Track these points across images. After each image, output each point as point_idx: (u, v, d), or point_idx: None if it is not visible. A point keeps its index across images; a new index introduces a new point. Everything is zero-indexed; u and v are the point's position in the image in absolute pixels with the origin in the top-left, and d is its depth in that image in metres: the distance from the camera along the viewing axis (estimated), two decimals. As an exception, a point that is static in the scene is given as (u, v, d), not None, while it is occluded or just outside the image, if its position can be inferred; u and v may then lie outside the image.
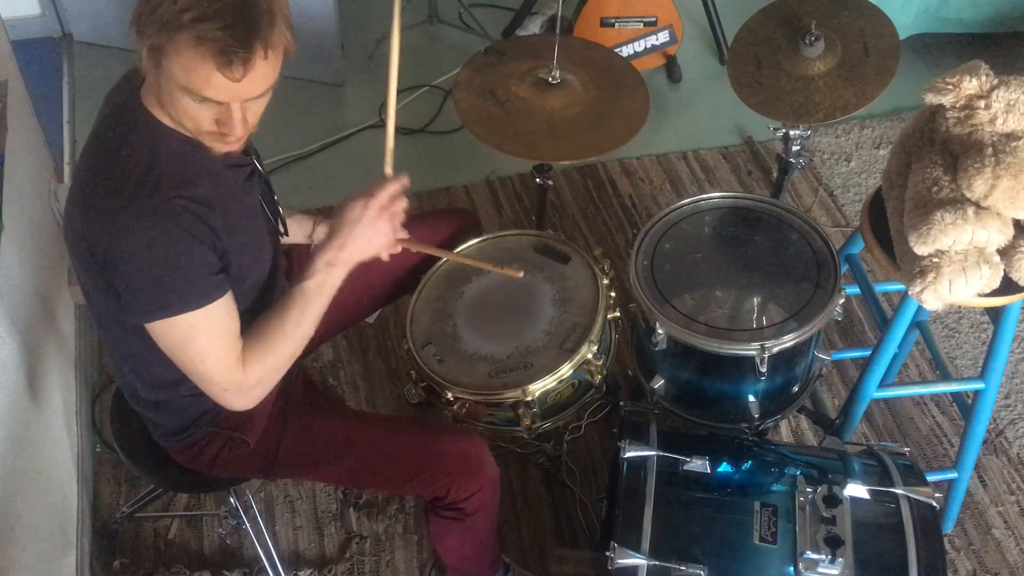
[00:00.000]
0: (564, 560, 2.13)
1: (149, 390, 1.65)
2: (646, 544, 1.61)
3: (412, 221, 1.92)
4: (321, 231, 1.87)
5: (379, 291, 2.03)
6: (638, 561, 1.59)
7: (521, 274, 1.80)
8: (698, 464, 1.73)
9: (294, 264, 1.88)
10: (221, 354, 1.48)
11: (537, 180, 2.32)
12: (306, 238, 1.88)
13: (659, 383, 1.98)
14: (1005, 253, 1.71)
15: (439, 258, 1.99)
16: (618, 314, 1.95)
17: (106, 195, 1.37)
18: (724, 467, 1.73)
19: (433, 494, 1.76)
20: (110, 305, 1.47)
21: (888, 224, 1.85)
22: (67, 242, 1.50)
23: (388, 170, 1.62)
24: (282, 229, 1.71)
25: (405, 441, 1.78)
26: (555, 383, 1.81)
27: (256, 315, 1.57)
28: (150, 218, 1.36)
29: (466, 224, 2.09)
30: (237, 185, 1.53)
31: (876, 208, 1.92)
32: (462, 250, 2.02)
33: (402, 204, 1.60)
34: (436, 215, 2.33)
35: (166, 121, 1.42)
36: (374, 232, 1.56)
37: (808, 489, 1.67)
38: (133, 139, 1.41)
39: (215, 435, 1.69)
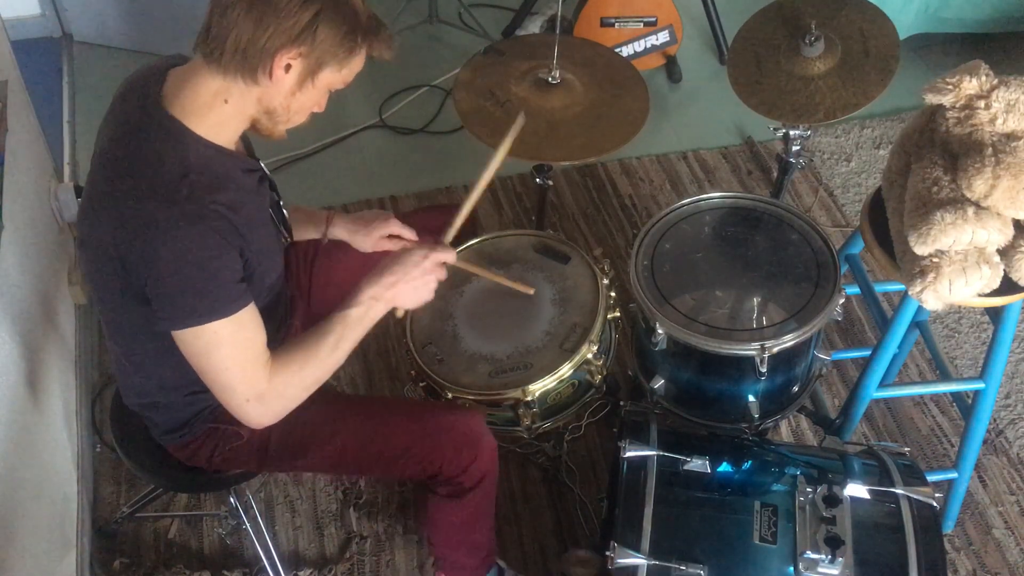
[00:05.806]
0: (578, 562, 2.10)
1: (153, 392, 1.66)
2: (646, 544, 1.61)
3: (407, 217, 1.92)
4: (336, 228, 1.86)
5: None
6: (638, 561, 1.59)
7: (532, 291, 1.82)
8: (698, 464, 1.72)
9: (290, 265, 1.88)
10: (245, 363, 1.48)
11: (537, 180, 2.32)
12: (319, 234, 1.87)
13: (659, 383, 1.98)
14: (1005, 253, 1.70)
15: None
16: (618, 314, 1.95)
17: (139, 201, 1.37)
18: (724, 467, 1.73)
19: (428, 471, 1.74)
20: (133, 310, 1.47)
21: (888, 224, 1.85)
22: (83, 248, 1.49)
23: (448, 239, 1.71)
24: (287, 235, 1.70)
25: (396, 416, 1.77)
26: (555, 383, 1.81)
27: (270, 318, 1.58)
28: (187, 222, 1.37)
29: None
30: (252, 190, 1.54)
31: (876, 208, 1.92)
32: (462, 251, 2.02)
33: (443, 273, 1.68)
34: (430, 211, 2.31)
35: (194, 127, 1.42)
36: (424, 283, 1.64)
37: (808, 489, 1.66)
38: (162, 146, 1.40)
39: (213, 430, 1.70)
